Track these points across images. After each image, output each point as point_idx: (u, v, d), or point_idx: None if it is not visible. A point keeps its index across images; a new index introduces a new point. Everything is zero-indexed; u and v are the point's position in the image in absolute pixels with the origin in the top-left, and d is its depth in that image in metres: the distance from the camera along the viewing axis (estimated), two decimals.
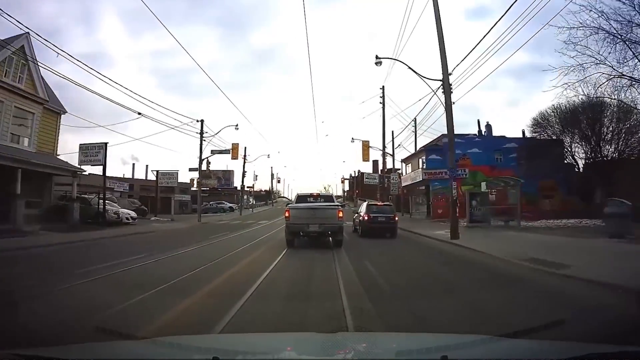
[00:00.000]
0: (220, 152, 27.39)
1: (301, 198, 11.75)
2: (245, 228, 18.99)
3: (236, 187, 46.62)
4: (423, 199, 30.46)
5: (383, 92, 27.53)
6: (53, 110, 18.00)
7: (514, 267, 7.23)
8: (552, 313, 3.96)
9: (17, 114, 15.88)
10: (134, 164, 66.40)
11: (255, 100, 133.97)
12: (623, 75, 12.33)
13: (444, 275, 6.82)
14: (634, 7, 11.41)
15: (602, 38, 11.90)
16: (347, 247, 10.47)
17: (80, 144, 18.92)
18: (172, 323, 3.60)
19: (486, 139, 27.87)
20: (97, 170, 19.41)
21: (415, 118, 28.46)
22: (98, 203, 18.35)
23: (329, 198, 12.19)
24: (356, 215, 16.43)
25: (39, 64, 15.41)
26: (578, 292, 5.11)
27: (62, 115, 18.74)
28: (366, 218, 14.14)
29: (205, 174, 31.90)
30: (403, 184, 30.37)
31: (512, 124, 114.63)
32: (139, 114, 18.01)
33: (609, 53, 11.99)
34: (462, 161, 21.18)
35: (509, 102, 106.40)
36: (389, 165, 29.99)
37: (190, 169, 28.75)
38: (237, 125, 26.10)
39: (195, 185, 31.77)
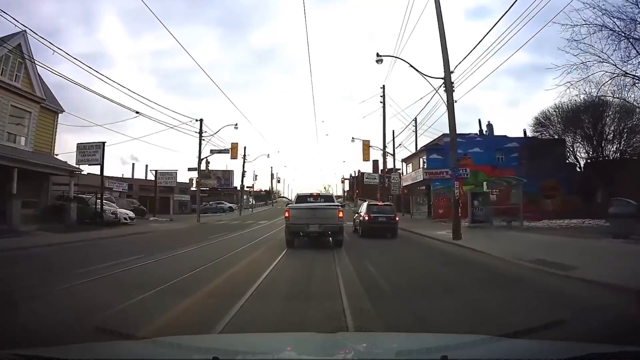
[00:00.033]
0: (220, 151, 27.41)
1: (301, 198, 11.77)
2: (245, 228, 19.01)
3: (236, 187, 46.67)
4: (424, 199, 30.49)
5: (383, 92, 27.56)
6: (50, 109, 18.00)
7: (518, 268, 7.14)
8: (560, 315, 3.85)
9: (14, 112, 15.87)
10: (133, 164, 66.38)
11: (255, 100, 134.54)
12: (627, 73, 12.37)
13: (446, 275, 6.77)
14: (637, 5, 11.45)
15: (605, 36, 11.95)
16: (347, 247, 10.49)
17: (77, 144, 18.97)
18: (159, 331, 3.36)
19: (487, 139, 27.86)
20: (96, 170, 19.47)
21: (415, 118, 28.51)
22: (95, 203, 18.35)
23: (329, 198, 12.21)
24: (356, 215, 16.45)
25: (36, 62, 15.44)
26: (582, 294, 5.08)
27: (61, 115, 18.78)
28: (366, 218, 14.16)
29: (204, 174, 31.91)
30: (403, 184, 30.39)
31: (512, 124, 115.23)
32: (137, 112, 18.05)
33: (614, 51, 12.04)
34: (463, 161, 21.20)
35: (509, 102, 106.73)
36: (390, 165, 30.04)
37: (189, 169, 28.78)
38: (236, 125, 26.13)
39: (194, 185, 31.76)
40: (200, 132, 24.80)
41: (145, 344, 2.20)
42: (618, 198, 11.85)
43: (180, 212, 36.62)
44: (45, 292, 4.90)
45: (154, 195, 30.54)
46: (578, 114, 21.83)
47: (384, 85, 27.77)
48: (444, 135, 26.84)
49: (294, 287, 5.77)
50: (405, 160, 33.36)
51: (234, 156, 28.17)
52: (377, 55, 14.26)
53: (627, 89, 13.11)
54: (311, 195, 11.95)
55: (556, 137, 24.25)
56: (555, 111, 23.65)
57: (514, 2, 10.07)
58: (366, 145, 26.81)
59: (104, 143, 18.67)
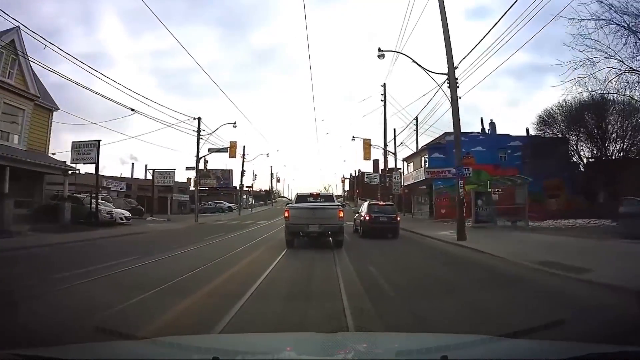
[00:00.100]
0: (218, 150, 27.42)
1: (301, 198, 11.82)
2: (243, 229, 19.04)
3: (235, 187, 46.70)
4: (425, 198, 30.53)
5: (384, 90, 27.57)
6: (44, 106, 17.98)
7: (530, 271, 6.89)
8: (580, 323, 3.67)
9: (7, 110, 15.85)
10: (133, 164, 66.42)
11: (255, 100, 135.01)
12: (634, 70, 12.38)
13: (451, 278, 6.55)
14: None
15: (613, 31, 11.95)
16: (347, 247, 10.52)
17: (72, 142, 18.97)
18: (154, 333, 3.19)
19: (490, 137, 27.85)
20: (93, 169, 19.42)
21: (416, 117, 28.54)
22: (90, 203, 18.36)
23: (329, 198, 12.27)
24: (357, 215, 16.49)
25: (31, 59, 15.43)
26: (596, 298, 4.92)
27: (61, 115, 18.77)
28: (367, 218, 14.19)
29: (203, 174, 31.93)
30: (405, 183, 30.43)
31: (512, 124, 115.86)
32: (132, 110, 18.04)
33: (623, 46, 12.01)
34: (465, 160, 21.20)
35: (509, 102, 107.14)
36: (391, 164, 30.06)
37: (187, 168, 28.80)
38: (234, 123, 26.12)
39: (192, 185, 31.82)
40: (199, 131, 24.82)
41: (145, 344, 2.23)
42: (628, 197, 11.76)
43: (180, 212, 36.69)
44: (28, 295, 4.77)
45: (152, 194, 30.62)
46: (582, 112, 21.88)
47: (384, 84, 27.81)
48: (446, 133, 26.88)
49: (294, 287, 5.82)
50: (407, 160, 33.39)
51: (232, 155, 28.19)
52: (379, 50, 14.20)
53: (633, 86, 13.14)
54: (311, 195, 12.00)
55: (560, 135, 24.31)
56: (559, 109, 23.73)
57: (515, 2, 10.09)
58: (367, 144, 26.83)
59: (99, 141, 18.67)
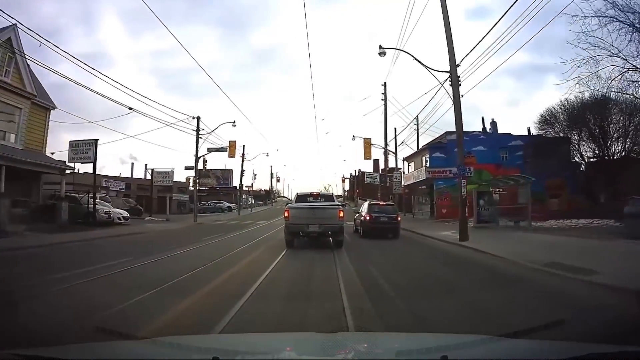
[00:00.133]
0: (217, 150, 27.44)
1: (301, 197, 11.85)
2: (243, 228, 19.06)
3: (235, 187, 46.76)
4: (426, 198, 30.56)
5: (385, 89, 27.58)
6: (42, 105, 17.98)
7: (536, 273, 6.73)
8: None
9: (3, 108, 15.84)
10: (132, 163, 66.42)
11: (255, 100, 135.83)
12: (637, 68, 12.40)
13: (455, 281, 6.38)
14: None
15: (617, 28, 11.98)
16: (348, 247, 10.54)
17: (70, 141, 18.97)
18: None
19: (491, 137, 27.85)
20: (92, 168, 19.41)
21: (417, 116, 28.56)
22: (88, 202, 18.37)
23: (329, 197, 12.29)
24: (357, 215, 16.52)
25: (28, 58, 15.44)
26: (613, 303, 4.74)
27: (60, 114, 18.80)
28: (368, 218, 14.21)
29: (203, 173, 32.01)
30: (405, 183, 30.46)
31: (512, 124, 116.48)
32: (130, 108, 18.07)
33: (628, 43, 12.04)
34: (466, 159, 21.24)
35: (509, 102, 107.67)
36: (391, 164, 30.09)
37: (187, 168, 28.85)
38: (234, 122, 26.14)
39: (191, 185, 31.88)
40: (198, 130, 24.85)
41: (145, 344, 2.25)
42: (633, 197, 11.74)
43: (179, 212, 36.80)
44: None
45: (152, 194, 30.69)
46: (584, 111, 21.93)
47: (385, 83, 27.82)
48: (447, 133, 26.90)
49: (294, 287, 5.84)
50: (407, 159, 33.42)
51: (232, 154, 28.22)
52: (380, 47, 14.12)
53: (637, 85, 13.18)
54: (311, 194, 12.02)
55: (561, 135, 24.36)
56: (561, 108, 23.79)
57: (515, 1, 10.11)
58: (367, 143, 26.85)
59: (96, 140, 18.67)
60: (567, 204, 22.77)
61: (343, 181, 75.55)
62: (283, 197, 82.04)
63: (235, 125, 26.51)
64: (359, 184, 57.92)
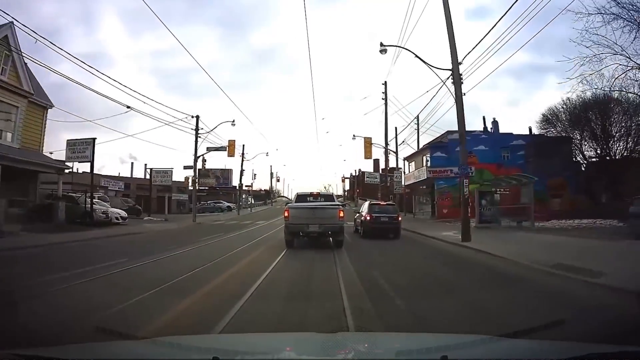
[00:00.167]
0: (216, 149, 27.46)
1: (301, 197, 11.88)
2: (242, 229, 19.08)
3: (235, 187, 46.82)
4: (427, 198, 30.60)
5: (385, 88, 27.59)
6: (39, 104, 17.98)
7: (544, 275, 6.54)
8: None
9: (0, 107, 15.88)
10: (132, 163, 66.80)
11: (255, 100, 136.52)
12: None
13: (460, 283, 6.22)
14: None
15: (620, 26, 12.01)
16: (348, 248, 10.56)
17: (67, 140, 18.89)
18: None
19: (493, 136, 27.85)
20: (91, 168, 19.39)
21: (417, 116, 28.58)
22: (85, 202, 18.37)
23: (329, 197, 12.32)
24: (357, 215, 16.54)
25: (24, 55, 15.44)
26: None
27: (61, 114, 18.80)
28: (368, 218, 14.23)
29: (202, 173, 32.03)
30: (406, 183, 30.51)
31: (513, 123, 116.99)
32: (128, 107, 18.06)
33: (633, 41, 12.07)
34: (468, 159, 21.27)
35: (509, 102, 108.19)
36: (392, 164, 30.12)
37: (185, 167, 28.87)
38: (233, 121, 26.17)
39: (190, 185, 31.93)
40: (197, 129, 24.87)
41: (145, 344, 2.27)
42: (639, 197, 11.72)
43: (179, 212, 36.89)
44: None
45: (151, 194, 30.74)
46: (586, 110, 21.98)
47: (385, 82, 27.81)
48: (448, 132, 26.93)
49: (294, 287, 5.87)
50: (408, 159, 33.45)
51: (231, 154, 28.24)
52: (381, 44, 14.06)
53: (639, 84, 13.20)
54: (311, 194, 12.05)
55: (563, 134, 24.41)
56: (563, 107, 23.84)
57: (516, 1, 10.13)
58: (368, 143, 26.86)
59: (94, 139, 18.63)
60: (569, 204, 22.81)
61: (343, 181, 75.63)
62: (283, 197, 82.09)
63: (234, 124, 26.56)
64: (359, 184, 57.97)
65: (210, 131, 25.93)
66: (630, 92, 15.11)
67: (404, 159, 33.44)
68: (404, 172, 31.61)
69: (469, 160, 14.78)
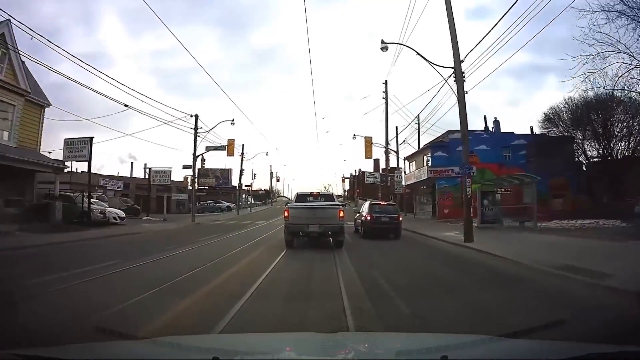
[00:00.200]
0: (215, 148, 27.47)
1: (301, 197, 11.91)
2: (241, 229, 19.10)
3: (235, 186, 46.88)
4: (428, 198, 30.63)
5: (386, 87, 27.61)
6: (36, 102, 17.96)
7: (551, 277, 6.31)
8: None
9: None
10: (132, 163, 66.79)
11: (255, 100, 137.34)
12: None
13: (465, 286, 6.01)
14: None
15: (625, 24, 12.01)
16: (348, 248, 10.59)
17: (65, 139, 18.90)
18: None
19: (494, 136, 27.84)
20: (92, 167, 19.38)
21: (418, 115, 28.60)
22: (82, 202, 18.37)
23: (329, 197, 12.35)
24: (358, 215, 16.56)
25: (21, 53, 15.42)
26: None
27: (60, 113, 18.74)
28: (369, 218, 14.24)
29: (202, 173, 32.05)
30: (406, 183, 30.52)
31: (512, 123, 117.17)
32: (126, 105, 18.07)
33: (635, 40, 12.08)
34: (470, 158, 21.28)
35: (509, 102, 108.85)
36: (392, 163, 30.15)
37: (184, 167, 28.88)
38: (232, 120, 26.22)
39: (189, 184, 31.99)
40: (196, 129, 24.90)
41: (145, 344, 2.30)
42: None
43: (178, 212, 36.99)
44: None
45: (150, 194, 30.80)
46: (588, 110, 22.01)
47: (386, 81, 27.84)
48: (449, 132, 26.96)
49: (294, 287, 5.90)
50: (408, 159, 33.47)
51: (230, 153, 28.26)
52: (382, 42, 13.95)
53: None
54: (311, 194, 12.08)
55: (565, 134, 24.44)
56: (565, 107, 23.89)
57: (516, 1, 10.15)
58: (368, 142, 26.88)
59: (91, 138, 18.64)
60: (571, 204, 22.85)
61: (343, 181, 75.67)
62: (283, 196, 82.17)
63: (234, 124, 26.60)
64: (359, 184, 58.02)
65: (210, 130, 25.98)
66: (634, 91, 15.12)
67: (405, 159, 33.49)
68: (405, 172, 31.64)
69: (470, 160, 14.79)
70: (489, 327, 3.65)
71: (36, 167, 17.45)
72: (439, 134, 29.19)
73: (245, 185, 45.07)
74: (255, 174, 49.85)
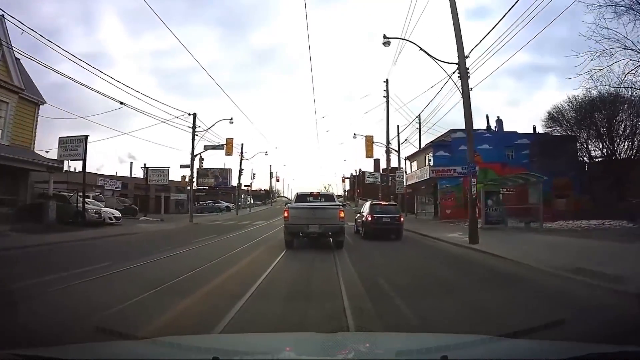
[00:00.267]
0: (214, 147, 27.46)
1: (301, 197, 11.95)
2: (241, 229, 19.12)
3: (234, 186, 46.92)
4: (429, 198, 30.65)
5: (387, 86, 27.64)
6: (30, 100, 17.92)
7: (568, 282, 6.00)
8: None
9: None
10: (131, 163, 66.79)
11: (255, 100, 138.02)
12: None
13: (468, 288, 5.89)
14: None
15: (632, 19, 12.06)
16: (348, 249, 10.62)
17: (59, 138, 18.89)
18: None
19: (496, 135, 27.78)
20: (89, 166, 19.41)
21: (419, 115, 28.63)
22: (77, 201, 18.37)
23: (329, 197, 12.39)
24: (358, 215, 16.58)
25: (14, 49, 15.41)
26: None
27: (60, 113, 18.71)
28: (369, 219, 14.24)
29: (201, 173, 32.07)
30: (408, 183, 30.54)
31: (513, 123, 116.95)
32: (121, 103, 18.09)
33: None
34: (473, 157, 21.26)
35: (509, 101, 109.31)
36: (394, 163, 30.19)
37: (182, 166, 28.84)
38: (231, 119, 26.25)
39: (188, 184, 32.03)
40: (194, 128, 24.90)
41: (145, 344, 2.33)
42: None
43: (177, 212, 37.08)
44: None
45: (149, 194, 30.87)
46: (592, 109, 22.03)
47: (387, 79, 27.85)
48: (451, 131, 26.98)
49: (294, 287, 5.96)
50: (410, 158, 33.49)
51: (229, 152, 28.27)
52: (384, 37, 13.84)
53: None
54: (311, 194, 12.12)
55: (569, 133, 24.46)
56: (569, 105, 23.92)
57: (517, 1, 10.19)
58: (369, 141, 26.91)
59: (86, 137, 18.63)
60: (574, 204, 22.86)
61: (343, 181, 75.64)
62: (282, 196, 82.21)
63: (232, 122, 26.61)
64: (359, 184, 58.07)
65: (208, 129, 26.00)
66: (639, 89, 15.14)
67: (406, 159, 33.50)
68: (406, 172, 31.65)
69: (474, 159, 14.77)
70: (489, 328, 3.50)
71: (29, 166, 17.40)
72: (440, 134, 29.23)
73: (245, 185, 45.12)
74: (254, 174, 49.96)
